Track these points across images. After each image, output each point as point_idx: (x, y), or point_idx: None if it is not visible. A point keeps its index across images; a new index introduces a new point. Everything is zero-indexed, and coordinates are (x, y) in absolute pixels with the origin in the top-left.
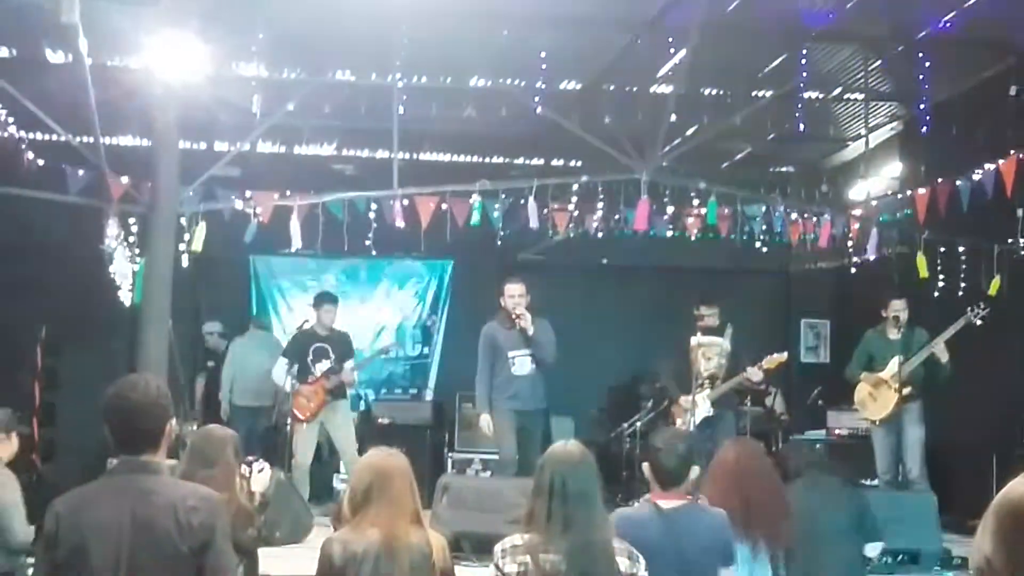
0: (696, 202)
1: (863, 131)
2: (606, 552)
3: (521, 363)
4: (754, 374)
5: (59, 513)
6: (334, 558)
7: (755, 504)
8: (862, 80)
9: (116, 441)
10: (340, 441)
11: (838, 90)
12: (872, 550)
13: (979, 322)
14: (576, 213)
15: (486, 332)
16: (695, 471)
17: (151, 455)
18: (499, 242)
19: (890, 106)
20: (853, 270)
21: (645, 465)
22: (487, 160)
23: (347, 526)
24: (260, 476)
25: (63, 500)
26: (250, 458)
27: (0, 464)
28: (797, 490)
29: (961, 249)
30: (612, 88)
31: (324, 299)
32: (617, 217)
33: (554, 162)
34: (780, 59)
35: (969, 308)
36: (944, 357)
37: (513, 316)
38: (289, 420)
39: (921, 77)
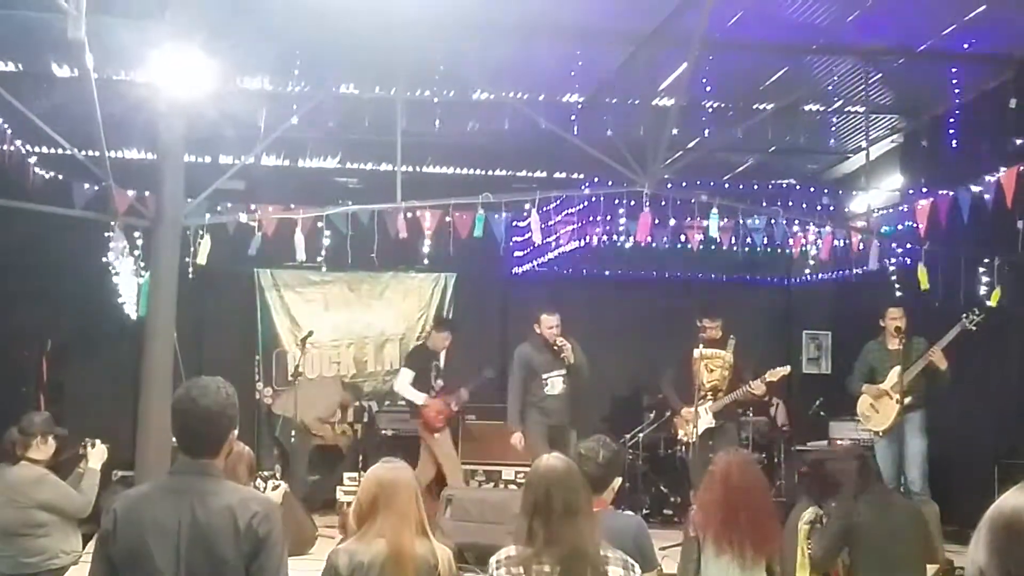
0: (698, 214)
1: (864, 143)
2: (596, 563)
3: (554, 383)
4: (757, 387)
5: (117, 511)
6: (340, 568)
7: (743, 513)
8: (863, 93)
9: (178, 442)
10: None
11: (839, 103)
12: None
13: (974, 327)
14: (578, 225)
15: (522, 353)
16: (617, 481)
17: (210, 459)
18: (501, 255)
19: (891, 119)
20: (854, 282)
21: None
22: (490, 173)
23: (353, 537)
24: (274, 493)
25: (120, 499)
26: (266, 473)
27: (39, 465)
28: (862, 508)
29: (962, 261)
30: (614, 101)
31: (445, 326)
32: (620, 229)
33: (556, 175)
34: (781, 72)
35: (964, 315)
36: (943, 365)
37: (555, 347)
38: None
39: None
